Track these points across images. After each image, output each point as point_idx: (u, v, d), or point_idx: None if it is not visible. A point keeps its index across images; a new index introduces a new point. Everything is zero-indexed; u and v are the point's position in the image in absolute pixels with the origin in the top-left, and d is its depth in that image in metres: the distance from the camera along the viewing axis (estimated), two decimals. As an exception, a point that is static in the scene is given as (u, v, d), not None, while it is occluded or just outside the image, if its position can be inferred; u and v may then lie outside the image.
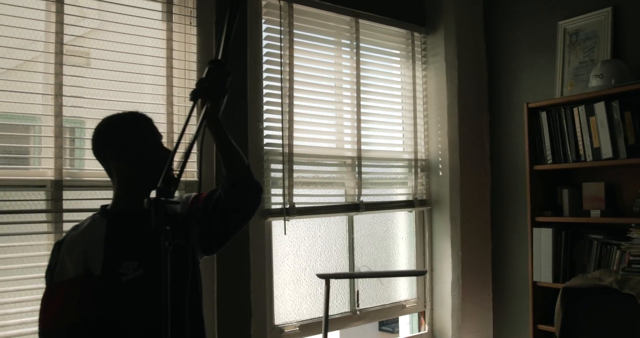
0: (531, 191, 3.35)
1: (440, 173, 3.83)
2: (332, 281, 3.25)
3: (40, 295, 2.35)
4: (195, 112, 1.63)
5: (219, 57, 1.66)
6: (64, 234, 2.40)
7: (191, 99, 1.64)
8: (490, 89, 4.00)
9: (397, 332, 10.06)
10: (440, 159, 3.84)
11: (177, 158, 1.67)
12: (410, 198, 3.77)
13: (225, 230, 1.79)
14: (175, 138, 2.76)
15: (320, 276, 2.36)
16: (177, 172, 1.46)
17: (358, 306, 3.44)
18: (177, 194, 1.95)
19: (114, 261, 1.69)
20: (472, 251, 3.80)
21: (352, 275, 2.80)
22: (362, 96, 3.53)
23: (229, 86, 1.68)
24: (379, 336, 11.42)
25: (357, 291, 2.78)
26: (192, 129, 2.32)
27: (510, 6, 3.89)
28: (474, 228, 3.83)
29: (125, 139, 1.79)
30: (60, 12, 2.51)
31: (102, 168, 2.55)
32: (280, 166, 3.12)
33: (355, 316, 3.45)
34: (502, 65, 3.93)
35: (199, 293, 1.81)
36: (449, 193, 3.77)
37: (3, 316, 2.32)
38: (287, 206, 3.09)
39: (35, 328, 2.35)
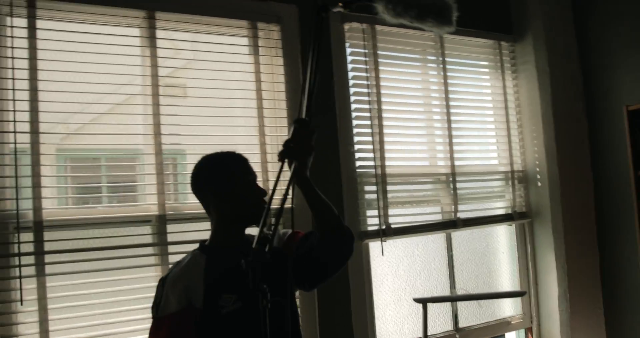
0: (637, 197, 3.19)
1: (539, 184, 3.72)
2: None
3: (149, 325, 2.52)
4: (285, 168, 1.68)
5: (303, 115, 1.70)
6: (169, 266, 2.55)
7: (279, 160, 1.69)
8: (586, 94, 3.85)
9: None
10: (537, 169, 3.73)
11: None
12: (509, 211, 3.69)
13: (317, 275, 1.86)
14: (270, 167, 2.85)
15: (417, 300, 2.36)
16: (270, 232, 1.52)
17: (457, 326, 3.39)
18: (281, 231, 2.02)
19: (213, 294, 1.77)
20: (578, 263, 3.66)
21: (448, 299, 2.78)
22: (452, 110, 3.50)
23: (314, 143, 1.72)
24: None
25: (455, 315, 2.74)
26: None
27: (608, 3, 3.73)
28: (578, 239, 3.69)
29: (223, 178, 1.87)
30: (154, 47, 2.68)
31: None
32: (374, 188, 3.14)
33: (458, 334, 3.39)
34: (597, 68, 3.78)
35: (297, 320, 1.86)
36: (550, 204, 3.65)
37: (120, 344, 2.47)
38: (384, 227, 3.10)
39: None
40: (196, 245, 2.51)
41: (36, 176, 2.38)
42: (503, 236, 3.76)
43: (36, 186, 2.37)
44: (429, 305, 2.75)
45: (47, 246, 2.38)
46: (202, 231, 2.66)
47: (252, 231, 1.96)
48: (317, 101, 1.72)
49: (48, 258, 2.38)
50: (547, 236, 3.67)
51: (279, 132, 2.93)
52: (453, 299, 2.65)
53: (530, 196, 3.77)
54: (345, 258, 1.83)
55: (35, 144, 2.39)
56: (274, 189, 1.59)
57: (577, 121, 3.81)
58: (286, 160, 1.69)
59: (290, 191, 1.62)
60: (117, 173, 2.68)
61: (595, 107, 3.79)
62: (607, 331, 3.73)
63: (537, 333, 3.69)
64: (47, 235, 2.39)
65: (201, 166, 1.91)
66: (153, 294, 2.51)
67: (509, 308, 3.68)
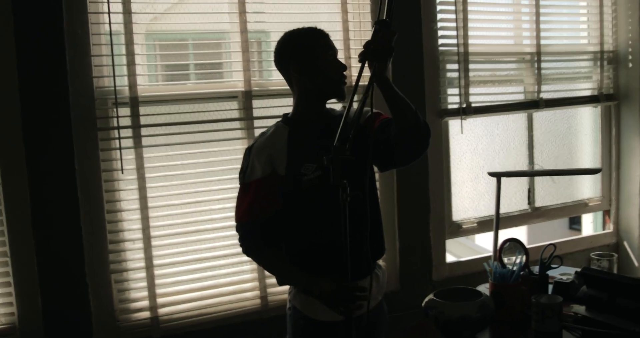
0: None
1: (630, 65, 3.57)
2: (508, 179, 3.28)
3: (237, 194, 2.71)
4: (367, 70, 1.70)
5: (384, 16, 1.69)
6: (252, 140, 2.70)
7: (359, 61, 1.71)
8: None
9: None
10: (630, 49, 3.57)
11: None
12: (596, 93, 3.59)
13: (391, 163, 1.97)
14: (352, 44, 2.87)
15: (491, 174, 2.41)
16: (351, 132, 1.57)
17: (530, 204, 3.44)
18: (355, 106, 2.08)
19: (296, 163, 1.89)
20: (664, 147, 3.58)
21: (523, 173, 2.80)
22: (543, -14, 3.35)
23: (394, 45, 1.72)
24: (568, 234, 11.18)
25: (529, 190, 2.77)
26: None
27: None
28: (667, 123, 3.58)
29: (304, 52, 1.93)
30: None
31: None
32: (455, 66, 3.12)
33: (534, 213, 3.46)
34: None
35: (376, 192, 1.97)
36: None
37: (209, 212, 2.68)
38: (464, 105, 3.11)
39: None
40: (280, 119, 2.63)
41: (130, 54, 2.50)
42: (587, 118, 3.69)
43: (130, 64, 2.50)
44: (504, 181, 2.79)
45: (143, 120, 2.55)
46: (286, 106, 2.76)
47: (335, 106, 2.03)
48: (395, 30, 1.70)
49: (144, 131, 2.55)
50: (634, 120, 3.57)
51: (362, 9, 2.91)
52: (528, 174, 2.68)
53: (619, 78, 3.64)
54: (421, 152, 1.88)
55: (128, 24, 2.49)
56: (355, 88, 1.64)
57: (678, -3, 3.57)
58: (367, 61, 1.72)
59: (370, 92, 1.66)
60: (204, 51, 2.78)
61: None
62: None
63: (615, 216, 3.70)
64: (142, 110, 2.55)
65: (283, 41, 1.97)
66: (240, 165, 2.71)
67: (587, 190, 3.68)
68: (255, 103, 2.74)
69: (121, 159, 2.49)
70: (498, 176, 2.44)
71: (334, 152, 1.55)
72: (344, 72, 1.94)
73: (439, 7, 3.07)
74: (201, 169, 2.67)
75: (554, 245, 1.97)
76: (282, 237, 1.94)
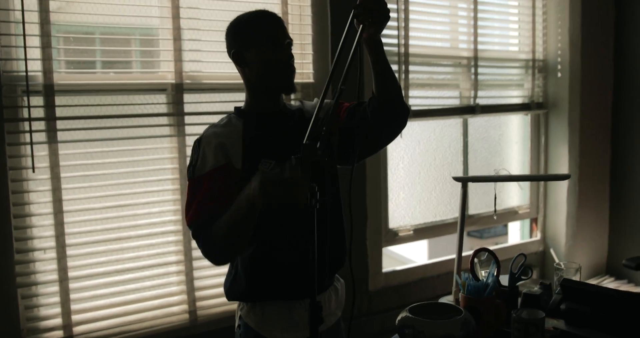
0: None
1: (559, 74, 3.60)
2: (442, 185, 3.21)
3: (166, 197, 2.45)
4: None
5: None
6: (185, 138, 2.44)
7: (355, 22, 1.52)
8: (617, -19, 3.66)
9: (485, 238, 9.99)
10: (559, 59, 3.59)
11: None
12: (527, 101, 3.58)
13: (367, 149, 1.77)
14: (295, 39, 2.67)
15: (457, 179, 2.29)
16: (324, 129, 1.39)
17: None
18: (315, 100, 1.89)
19: (253, 157, 1.67)
20: (590, 158, 3.62)
21: (490, 179, 2.68)
22: (479, -9, 3.30)
23: None
24: (467, 242, 11.48)
25: (495, 196, 2.68)
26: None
27: None
28: (593, 134, 3.63)
29: (243, 39, 1.71)
30: None
31: (221, 71, 2.55)
32: (396, 67, 2.99)
33: (468, 220, 3.38)
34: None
35: (340, 201, 1.78)
36: (568, 96, 3.55)
37: (133, 217, 2.39)
38: (403, 109, 2.99)
39: (164, 229, 2.44)
40: (215, 117, 2.39)
41: (45, 35, 2.19)
42: (517, 125, 3.68)
43: (46, 46, 2.19)
44: (437, 187, 2.67)
45: (59, 112, 2.24)
46: (221, 102, 2.55)
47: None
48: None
49: (60, 124, 2.25)
50: (562, 128, 3.60)
51: (302, 2, 2.73)
52: (495, 179, 2.56)
53: (548, 87, 3.65)
54: (399, 130, 1.73)
55: (44, 0, 2.18)
56: (339, 51, 1.45)
57: (604, 10, 3.63)
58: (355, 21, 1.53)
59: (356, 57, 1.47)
60: (131, 36, 2.50)
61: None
62: (610, 226, 3.77)
63: (543, 224, 3.71)
64: (58, 100, 2.24)
65: (228, 26, 1.75)
66: (169, 166, 2.45)
67: (517, 198, 3.67)
68: (187, 97, 2.49)
69: (32, 156, 2.17)
70: (464, 180, 2.31)
71: (303, 151, 1.35)
72: (290, 62, 1.70)
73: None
74: (124, 169, 2.39)
75: (524, 254, 1.86)
76: None
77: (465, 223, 3.34)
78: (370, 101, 1.66)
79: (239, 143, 1.67)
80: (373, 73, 1.62)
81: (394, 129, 1.72)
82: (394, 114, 1.67)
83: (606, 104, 3.70)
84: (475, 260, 1.87)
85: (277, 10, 2.66)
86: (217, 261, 1.71)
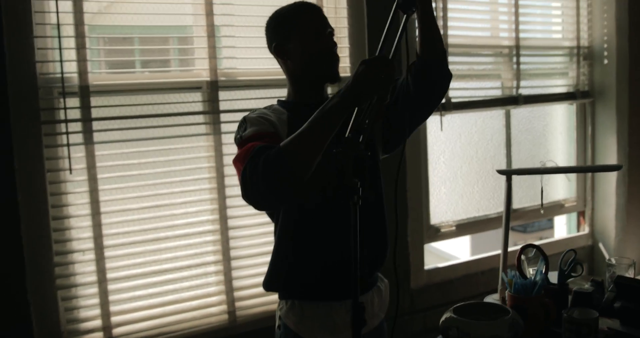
0: None
1: (606, 61, 3.45)
2: (486, 179, 3.12)
3: (203, 196, 2.42)
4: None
5: None
6: (221, 136, 2.41)
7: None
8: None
9: (529, 232, 9.77)
10: (605, 46, 3.45)
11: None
12: (572, 90, 3.45)
13: (409, 120, 1.70)
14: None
15: (501, 172, 2.20)
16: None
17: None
18: None
19: None
20: (639, 147, 3.47)
21: (536, 171, 2.58)
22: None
23: None
24: (511, 236, 11.25)
25: (542, 189, 2.57)
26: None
27: None
28: (642, 122, 3.48)
29: (287, 32, 1.69)
30: None
31: (256, 67, 2.51)
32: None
33: (512, 215, 3.26)
34: None
35: (382, 194, 1.73)
36: (616, 84, 3.40)
37: (170, 217, 2.37)
38: (444, 100, 2.90)
39: (202, 228, 2.41)
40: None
41: (80, 36, 2.17)
42: (562, 115, 3.55)
43: (81, 47, 2.17)
44: (481, 182, 2.58)
45: (94, 113, 2.23)
46: (257, 99, 2.51)
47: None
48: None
49: (96, 125, 2.23)
50: (609, 118, 3.45)
51: None
52: (541, 171, 2.46)
53: (594, 75, 3.52)
54: (442, 94, 1.72)
55: (78, 1, 2.17)
56: (383, 38, 1.40)
57: (653, -8, 3.48)
58: None
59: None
60: (165, 34, 2.47)
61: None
62: (661, 217, 3.62)
63: (591, 218, 3.58)
64: (93, 101, 2.22)
65: (268, 20, 1.72)
66: (205, 165, 2.42)
67: (562, 191, 3.55)
68: (222, 95, 2.45)
69: (69, 158, 2.15)
70: (508, 173, 2.22)
71: (345, 145, 1.30)
72: (334, 51, 1.70)
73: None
74: (161, 169, 2.36)
75: (574, 250, 1.77)
76: None
77: (512, 217, 3.28)
78: (413, 66, 1.62)
79: (284, 127, 1.62)
80: (419, 31, 1.61)
81: (437, 95, 1.69)
82: (437, 77, 1.63)
83: (656, 92, 3.55)
84: (523, 256, 1.80)
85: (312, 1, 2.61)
86: (270, 188, 1.45)
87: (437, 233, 3.03)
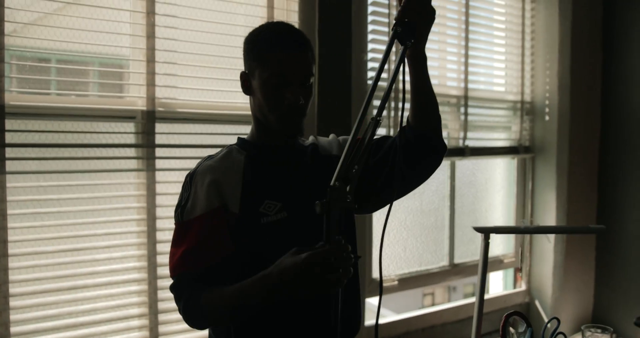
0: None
1: (547, 118, 3.44)
2: (428, 233, 2.99)
3: (130, 240, 2.13)
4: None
5: None
6: (155, 173, 2.15)
7: (396, 26, 1.28)
8: (605, 26, 3.55)
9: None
10: (547, 102, 3.44)
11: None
12: (514, 144, 3.41)
13: (400, 189, 1.52)
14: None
15: (478, 229, 2.04)
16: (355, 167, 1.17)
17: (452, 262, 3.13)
18: (331, 136, 1.64)
19: (254, 198, 1.40)
20: (578, 204, 3.45)
21: (516, 230, 2.43)
22: (470, 28, 3.13)
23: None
24: (442, 292, 11.28)
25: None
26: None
27: None
28: (581, 180, 3.47)
29: (252, 64, 1.44)
30: None
31: (199, 99, 2.27)
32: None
33: (452, 270, 3.15)
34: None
35: (356, 253, 1.52)
36: (556, 140, 3.39)
37: (91, 262, 2.07)
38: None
39: (126, 276, 2.11)
40: (189, 150, 2.14)
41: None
42: (503, 169, 3.49)
43: (-2, 61, 1.88)
44: (424, 235, 2.42)
45: (9, 138, 1.92)
46: (197, 134, 2.28)
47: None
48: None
49: (9, 151, 1.92)
50: (549, 174, 3.42)
51: (289, 6, 2.49)
52: (521, 231, 2.31)
53: (535, 130, 3.49)
54: (433, 169, 1.49)
55: (-1, 8, 1.88)
56: (380, 69, 1.22)
57: (592, 55, 3.52)
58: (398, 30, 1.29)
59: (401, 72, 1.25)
60: (96, 55, 2.20)
61: (613, 41, 3.50)
62: (595, 276, 3.59)
63: (527, 274, 3.50)
64: (9, 124, 1.92)
65: (247, 35, 1.49)
66: (135, 205, 2.14)
67: (501, 246, 3.46)
68: (159, 127, 2.20)
69: (-26, 189, 1.83)
70: (486, 231, 2.05)
71: (331, 194, 1.10)
72: (295, 106, 1.40)
73: (370, 36, 2.73)
74: (83, 207, 2.07)
75: (557, 318, 1.62)
76: None
77: (450, 272, 3.14)
78: (403, 132, 1.42)
79: (238, 180, 1.40)
80: (413, 97, 1.39)
81: (427, 169, 1.48)
82: (430, 149, 1.43)
83: (594, 150, 3.56)
84: (512, 329, 1.62)
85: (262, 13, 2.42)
86: (199, 327, 1.42)
87: (378, 288, 2.84)
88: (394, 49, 1.31)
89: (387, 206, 1.25)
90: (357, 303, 1.55)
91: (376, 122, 1.20)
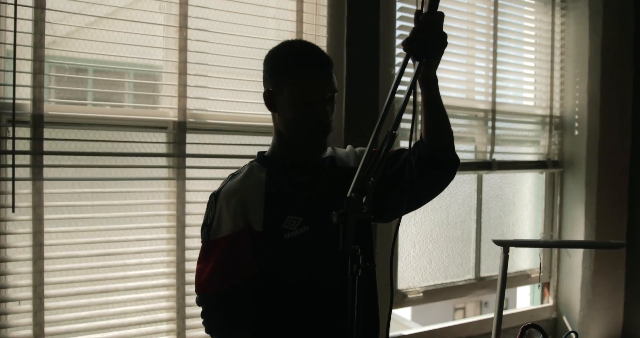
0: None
1: (577, 132, 3.43)
2: (455, 246, 3.00)
3: (160, 246, 2.20)
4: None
5: None
6: (185, 181, 2.21)
7: (406, 50, 1.32)
8: (636, 41, 3.54)
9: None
10: (577, 117, 3.43)
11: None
12: (543, 158, 3.40)
13: (412, 203, 1.55)
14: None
15: (497, 242, 2.06)
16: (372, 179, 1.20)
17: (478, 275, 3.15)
18: (348, 148, 1.68)
19: (276, 215, 1.45)
20: (607, 220, 3.42)
21: (535, 244, 2.45)
22: (499, 42, 3.15)
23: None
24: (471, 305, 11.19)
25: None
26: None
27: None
28: (610, 196, 3.44)
29: (278, 82, 1.49)
30: None
31: (228, 110, 2.34)
32: (408, 116, 2.79)
33: (479, 283, 3.15)
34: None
35: (374, 262, 1.56)
36: (586, 155, 3.38)
37: (122, 267, 2.13)
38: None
39: (155, 281, 2.17)
40: (218, 161, 2.17)
41: (38, 60, 1.97)
42: (531, 184, 3.49)
43: (38, 72, 1.96)
44: (451, 249, 2.43)
45: (47, 146, 2.00)
46: (227, 145, 2.34)
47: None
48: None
49: (47, 159, 2.00)
50: (578, 189, 3.40)
51: (318, 21, 2.54)
52: (541, 244, 2.31)
53: (564, 145, 3.48)
54: (446, 184, 1.52)
55: (39, 22, 1.96)
56: (392, 91, 1.26)
57: (623, 69, 3.51)
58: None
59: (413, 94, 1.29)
60: (131, 67, 2.28)
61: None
62: (625, 293, 3.55)
63: (555, 289, 3.47)
64: (47, 133, 2.00)
65: (267, 53, 1.54)
66: (165, 212, 2.21)
67: (529, 261, 3.44)
68: (190, 138, 2.26)
69: (13, 194, 1.91)
70: (505, 244, 2.07)
71: (347, 206, 1.14)
72: (324, 122, 1.47)
73: (397, 51, 2.77)
74: (115, 214, 2.14)
75: (575, 332, 1.63)
76: (257, 314, 1.46)
77: (476, 285, 3.14)
78: (416, 148, 1.45)
79: (260, 199, 1.45)
80: (424, 115, 1.42)
81: (441, 183, 1.51)
82: (442, 165, 1.46)
83: (624, 165, 3.53)
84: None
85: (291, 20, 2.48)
86: None
87: (403, 299, 2.86)
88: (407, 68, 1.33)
89: (401, 219, 1.29)
90: (374, 314, 1.57)
91: (392, 136, 1.23)
